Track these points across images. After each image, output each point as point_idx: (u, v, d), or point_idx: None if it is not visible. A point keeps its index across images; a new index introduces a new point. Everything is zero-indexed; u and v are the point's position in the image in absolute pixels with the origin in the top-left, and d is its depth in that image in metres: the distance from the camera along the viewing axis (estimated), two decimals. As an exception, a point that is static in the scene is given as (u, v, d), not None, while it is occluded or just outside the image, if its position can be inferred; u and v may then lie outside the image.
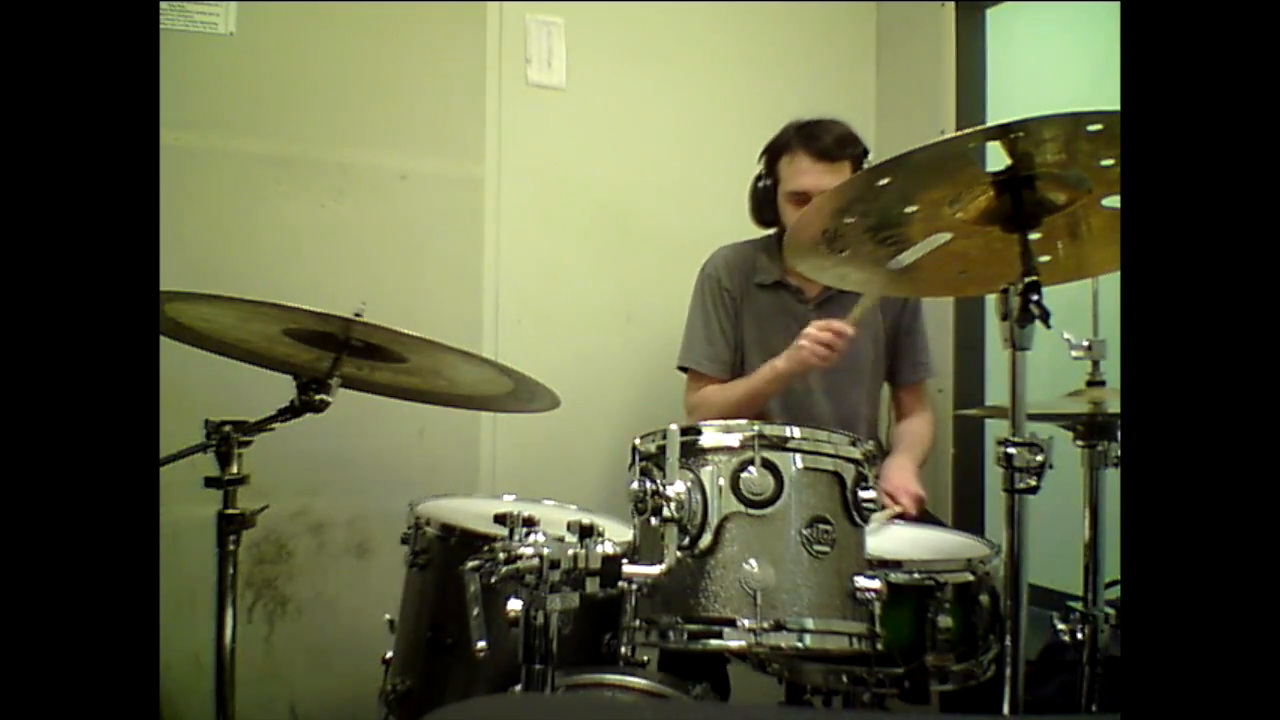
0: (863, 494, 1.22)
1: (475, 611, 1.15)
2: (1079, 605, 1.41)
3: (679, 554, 1.15)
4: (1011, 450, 1.16)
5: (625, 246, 2.54)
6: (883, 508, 1.81)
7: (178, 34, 2.10)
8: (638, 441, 1.26)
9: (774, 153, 2.12)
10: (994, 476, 1.21)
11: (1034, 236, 1.22)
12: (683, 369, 2.21)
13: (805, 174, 2.03)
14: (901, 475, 1.95)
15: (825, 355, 1.88)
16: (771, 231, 2.21)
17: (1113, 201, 1.22)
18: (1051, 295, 1.16)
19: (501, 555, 1.12)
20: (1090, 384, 1.44)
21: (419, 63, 2.33)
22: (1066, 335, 1.38)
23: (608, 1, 2.52)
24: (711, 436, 1.20)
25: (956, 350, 2.52)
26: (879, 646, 1.20)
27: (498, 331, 2.40)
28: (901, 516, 1.81)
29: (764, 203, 2.14)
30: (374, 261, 2.27)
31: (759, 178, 2.16)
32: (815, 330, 1.89)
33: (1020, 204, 1.20)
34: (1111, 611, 1.41)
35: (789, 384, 2.03)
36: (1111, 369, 1.42)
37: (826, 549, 1.17)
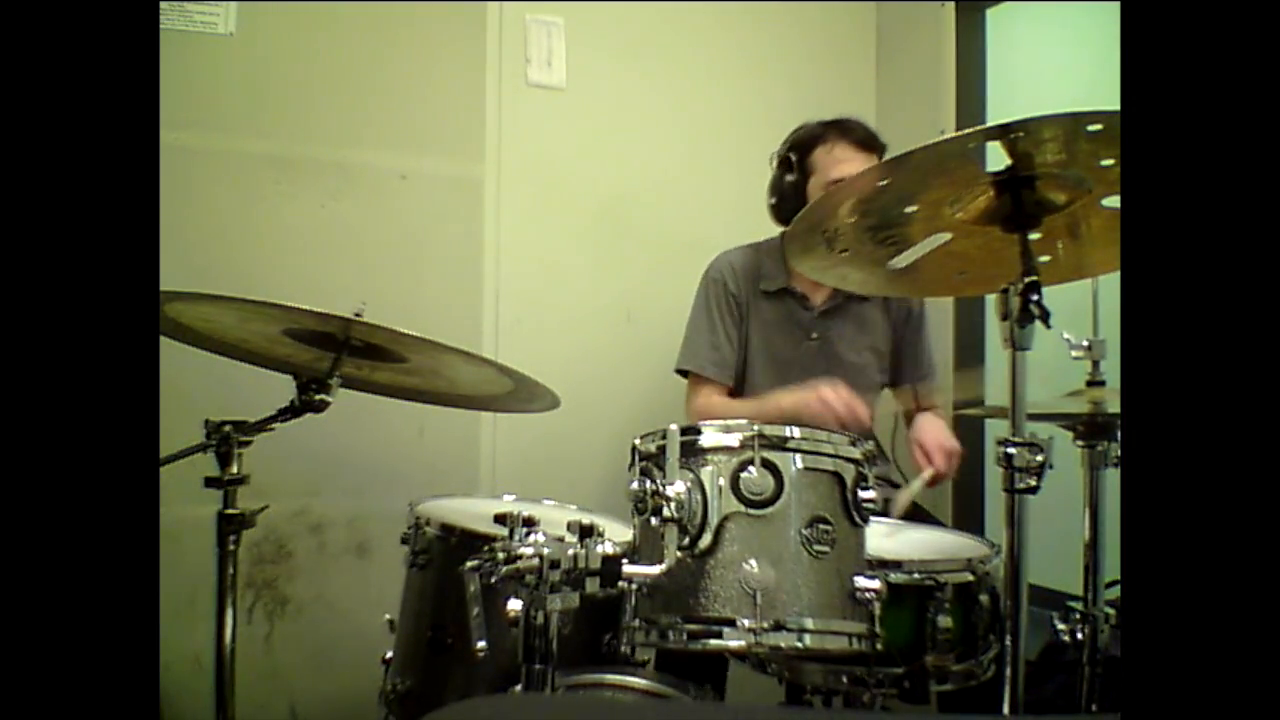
0: (863, 494, 1.22)
1: (475, 611, 1.15)
2: (1079, 605, 1.41)
3: (679, 554, 1.15)
4: (1011, 450, 1.16)
5: (625, 246, 2.54)
6: (884, 484, 1.80)
7: (178, 34, 2.10)
8: (638, 441, 1.26)
9: (805, 146, 2.09)
10: (994, 476, 1.21)
11: (1034, 236, 1.22)
12: (683, 372, 2.20)
13: (847, 162, 2.02)
14: (934, 429, 1.92)
15: (829, 419, 1.83)
16: (775, 236, 2.21)
17: (1113, 201, 1.22)
18: (1051, 295, 1.16)
19: (501, 555, 1.12)
20: (1090, 384, 1.44)
21: (419, 63, 2.33)
22: (1066, 335, 1.38)
23: (608, 1, 2.52)
24: (711, 436, 1.19)
25: (956, 350, 2.52)
26: (879, 646, 1.20)
27: (498, 331, 2.40)
28: (936, 481, 1.79)
29: (790, 198, 2.08)
30: (374, 261, 2.27)
31: (784, 172, 2.11)
32: (838, 394, 1.84)
33: (1020, 204, 1.20)
34: (1111, 611, 1.41)
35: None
36: (1111, 369, 1.42)
37: (826, 549, 1.17)
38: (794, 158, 2.11)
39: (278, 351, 1.57)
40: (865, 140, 2.04)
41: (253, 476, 1.50)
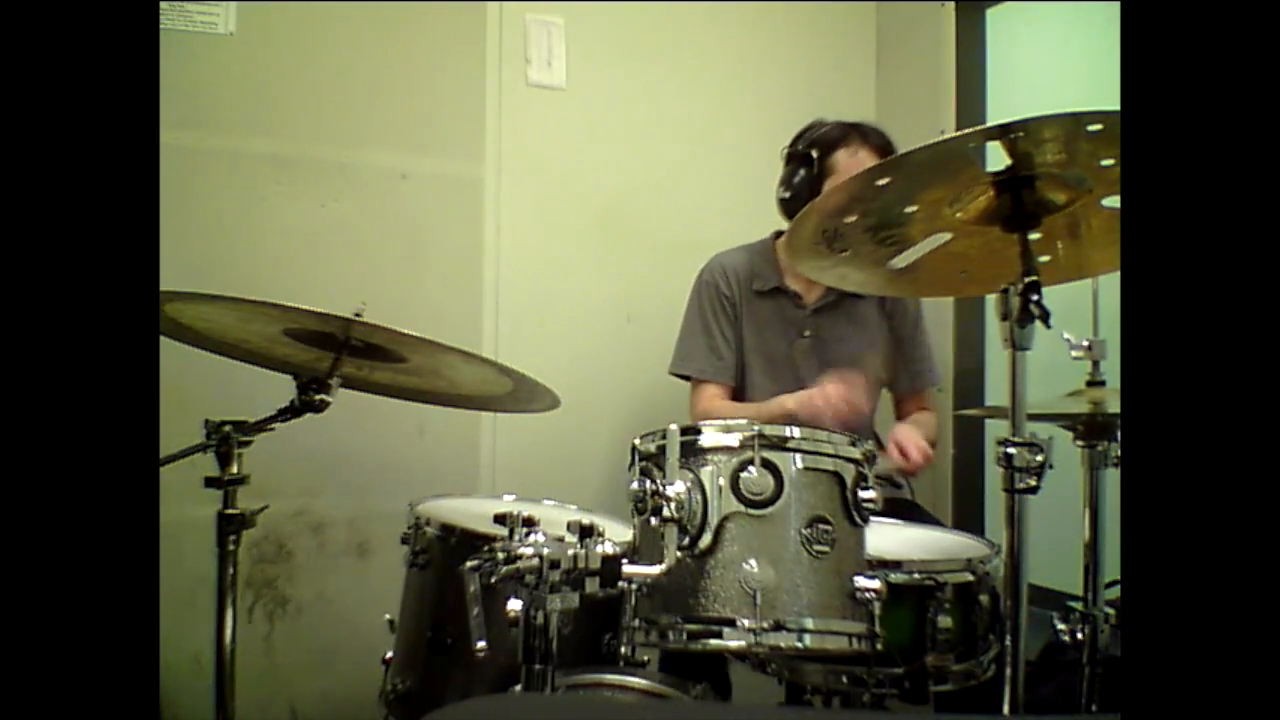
0: (863, 494, 1.22)
1: (475, 611, 1.15)
2: (1079, 605, 1.41)
3: (679, 554, 1.15)
4: (1011, 450, 1.16)
5: (625, 246, 2.54)
6: (884, 483, 1.81)
7: (178, 34, 2.10)
8: (637, 441, 1.26)
9: (828, 145, 2.07)
10: (994, 476, 1.21)
11: (1034, 236, 1.22)
12: (683, 376, 2.20)
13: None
14: (910, 430, 1.95)
15: (833, 415, 1.88)
16: (767, 237, 2.21)
17: (1113, 201, 1.22)
18: (1051, 295, 1.16)
19: (501, 555, 1.12)
20: (1090, 384, 1.44)
21: (419, 63, 2.33)
22: (1066, 335, 1.38)
23: (608, 1, 2.52)
24: (711, 436, 1.19)
25: (956, 350, 2.52)
26: (879, 646, 1.20)
27: (498, 331, 2.40)
28: (906, 477, 1.79)
29: (805, 195, 2.03)
30: (374, 261, 2.27)
31: (799, 167, 2.08)
32: (834, 389, 1.90)
33: (1020, 204, 1.20)
34: (1111, 611, 1.41)
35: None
36: (1111, 369, 1.42)
37: (826, 549, 1.17)
38: (815, 154, 2.08)
39: (278, 351, 1.57)
40: (885, 147, 2.05)
41: (253, 476, 1.50)
